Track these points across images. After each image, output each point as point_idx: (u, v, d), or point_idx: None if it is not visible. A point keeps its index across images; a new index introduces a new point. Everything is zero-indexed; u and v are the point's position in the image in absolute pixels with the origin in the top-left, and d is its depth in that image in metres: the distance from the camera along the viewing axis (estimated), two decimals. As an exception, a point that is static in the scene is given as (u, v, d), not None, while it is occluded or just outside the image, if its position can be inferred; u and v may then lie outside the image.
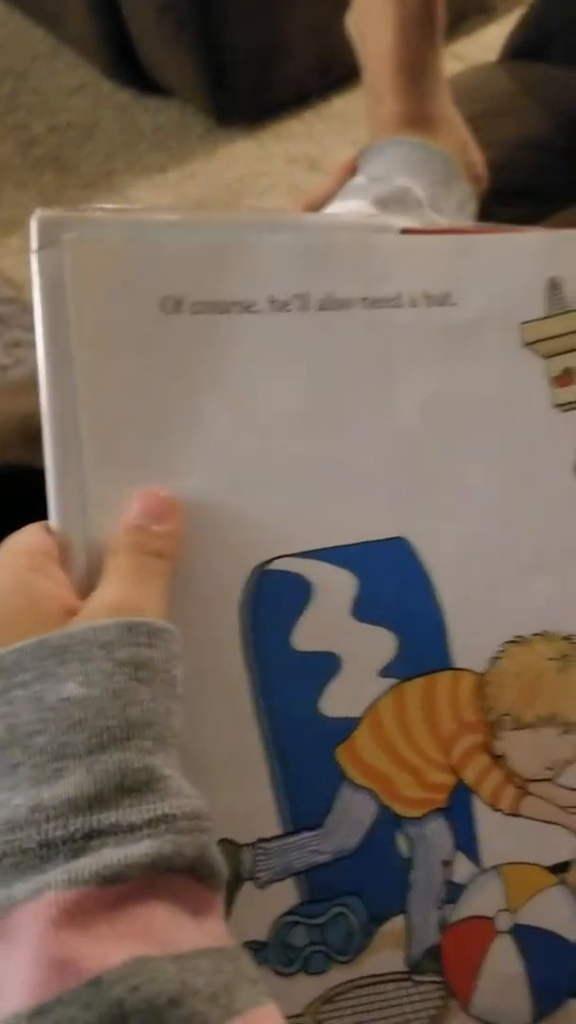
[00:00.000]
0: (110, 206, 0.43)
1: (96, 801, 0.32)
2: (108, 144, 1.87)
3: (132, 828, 0.32)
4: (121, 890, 0.31)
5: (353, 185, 0.79)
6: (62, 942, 0.29)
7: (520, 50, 1.10)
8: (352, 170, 0.85)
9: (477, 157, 0.83)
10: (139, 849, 0.32)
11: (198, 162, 1.82)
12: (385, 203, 0.75)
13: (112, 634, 0.35)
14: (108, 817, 0.32)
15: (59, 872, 0.31)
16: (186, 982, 0.30)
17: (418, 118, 0.83)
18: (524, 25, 1.11)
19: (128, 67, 1.88)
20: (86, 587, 0.40)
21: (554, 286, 0.47)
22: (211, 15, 1.65)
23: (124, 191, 1.79)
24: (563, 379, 0.47)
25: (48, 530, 0.41)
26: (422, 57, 0.81)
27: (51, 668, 0.34)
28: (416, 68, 0.82)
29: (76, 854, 0.31)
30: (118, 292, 0.42)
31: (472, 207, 0.83)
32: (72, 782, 0.32)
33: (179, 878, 0.33)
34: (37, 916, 0.30)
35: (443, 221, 0.76)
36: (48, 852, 0.31)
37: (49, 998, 0.28)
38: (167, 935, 0.31)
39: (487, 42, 1.92)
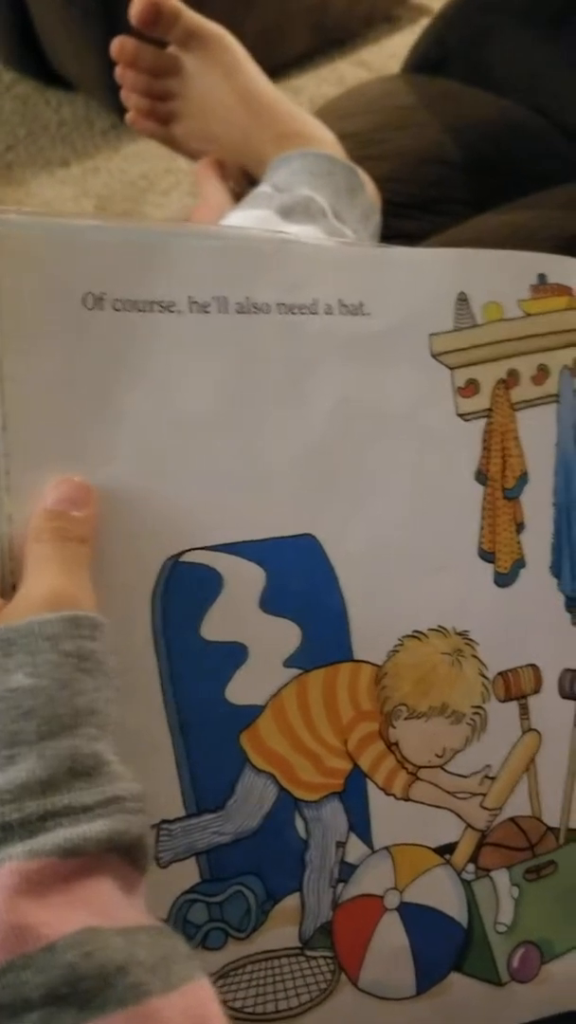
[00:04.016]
0: (27, 208, 0.43)
1: (49, 785, 0.33)
2: (8, 136, 1.82)
3: (85, 809, 0.33)
4: (77, 864, 0.32)
5: (258, 194, 0.80)
6: (21, 909, 0.30)
7: (421, 64, 1.13)
8: (215, 168, 0.88)
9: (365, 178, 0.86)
10: (95, 826, 0.33)
11: (102, 158, 1.80)
12: (289, 212, 0.76)
13: (58, 627, 0.36)
14: (61, 800, 0.33)
15: (19, 847, 0.32)
16: (132, 953, 0.31)
17: (293, 133, 0.86)
18: (426, 40, 1.14)
19: (31, 58, 1.83)
20: (2, 577, 0.40)
21: (463, 301, 0.49)
22: (117, 8, 1.59)
23: (25, 184, 1.75)
24: (467, 390, 0.49)
25: None
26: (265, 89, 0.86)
27: None
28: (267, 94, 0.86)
29: (33, 834, 0.32)
30: (42, 286, 0.42)
31: (376, 218, 0.86)
32: (24, 768, 0.33)
33: (116, 858, 0.34)
34: None
35: (348, 231, 0.79)
36: (4, 834, 0.32)
37: (1, 963, 0.29)
38: (111, 910, 0.33)
39: (391, 49, 1.97)
